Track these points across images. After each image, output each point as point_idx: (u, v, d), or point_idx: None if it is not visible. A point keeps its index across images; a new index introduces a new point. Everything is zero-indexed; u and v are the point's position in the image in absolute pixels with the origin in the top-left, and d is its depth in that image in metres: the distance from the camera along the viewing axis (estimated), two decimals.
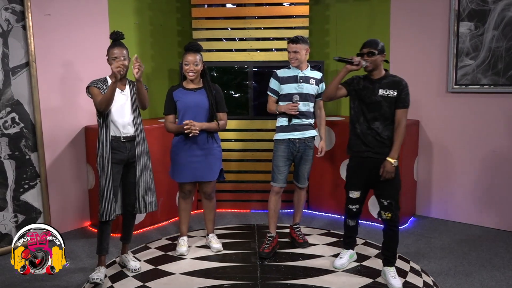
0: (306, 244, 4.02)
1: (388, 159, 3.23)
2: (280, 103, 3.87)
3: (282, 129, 3.85)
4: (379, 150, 3.30)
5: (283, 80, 3.83)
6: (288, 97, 3.80)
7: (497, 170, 4.52)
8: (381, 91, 3.27)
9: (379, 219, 3.42)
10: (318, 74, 3.91)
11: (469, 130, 4.65)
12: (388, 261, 3.38)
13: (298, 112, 3.75)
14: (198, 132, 3.62)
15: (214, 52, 5.11)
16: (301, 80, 3.80)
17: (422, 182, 4.99)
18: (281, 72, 3.88)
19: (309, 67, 3.90)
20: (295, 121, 3.80)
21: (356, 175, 3.43)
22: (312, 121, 3.90)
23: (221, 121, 3.80)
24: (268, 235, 3.94)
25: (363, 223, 4.72)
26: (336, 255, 3.76)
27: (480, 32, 4.48)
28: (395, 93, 3.24)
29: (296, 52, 3.76)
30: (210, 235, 4.04)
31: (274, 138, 3.91)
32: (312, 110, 3.89)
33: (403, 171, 4.57)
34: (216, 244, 3.96)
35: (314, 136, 3.91)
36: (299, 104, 3.75)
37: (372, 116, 3.30)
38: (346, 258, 3.63)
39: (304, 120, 3.82)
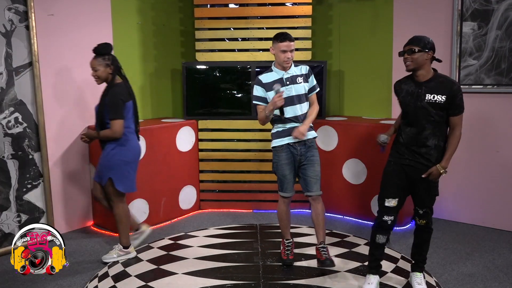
0: (328, 262, 3.41)
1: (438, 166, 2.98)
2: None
3: (278, 135, 3.53)
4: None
5: (268, 87, 3.47)
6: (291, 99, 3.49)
7: (501, 171, 4.50)
8: (428, 96, 2.94)
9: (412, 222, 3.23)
10: (304, 69, 3.56)
11: (472, 130, 4.62)
12: (417, 266, 3.25)
13: (283, 102, 3.35)
14: (87, 140, 3.83)
15: (216, 52, 5.11)
16: (287, 83, 3.47)
17: None
18: (264, 78, 3.52)
19: (293, 65, 3.55)
20: (291, 125, 3.48)
21: (393, 183, 3.14)
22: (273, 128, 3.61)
23: (104, 130, 3.64)
24: (286, 242, 3.71)
25: (364, 223, 4.71)
26: (337, 255, 3.75)
27: (483, 32, 4.47)
28: (444, 98, 2.91)
29: (292, 50, 3.46)
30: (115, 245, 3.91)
31: (272, 146, 3.60)
32: (306, 110, 3.56)
33: None
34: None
35: (314, 137, 3.60)
36: (283, 91, 3.37)
37: (421, 125, 3.00)
38: (375, 284, 3.20)
39: (300, 123, 3.49)
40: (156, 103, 5.44)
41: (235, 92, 5.10)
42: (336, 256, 3.75)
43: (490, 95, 4.52)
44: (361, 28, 5.25)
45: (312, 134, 3.57)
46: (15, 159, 4.08)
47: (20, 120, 4.09)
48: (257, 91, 3.53)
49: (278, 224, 4.04)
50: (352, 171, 4.79)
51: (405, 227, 4.62)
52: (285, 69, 3.51)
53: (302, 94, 3.52)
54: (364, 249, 3.92)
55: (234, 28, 5.10)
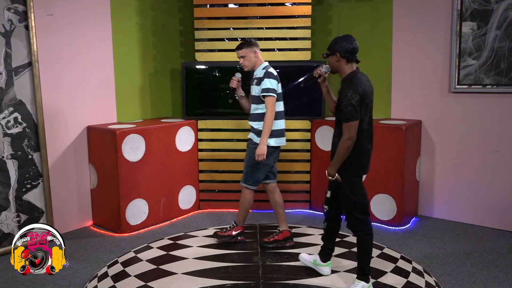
0: (215, 235, 4.07)
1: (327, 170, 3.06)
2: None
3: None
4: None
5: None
6: (251, 99, 3.99)
7: (500, 171, 4.51)
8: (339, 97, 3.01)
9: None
10: (261, 73, 3.84)
11: (472, 130, 4.63)
12: (358, 272, 3.21)
13: (233, 85, 3.97)
14: None
15: (216, 52, 5.11)
16: (251, 83, 3.97)
17: (424, 182, 4.98)
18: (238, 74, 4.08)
19: (260, 67, 3.90)
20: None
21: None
22: (254, 123, 3.89)
23: None
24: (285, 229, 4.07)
25: None
26: (337, 255, 3.75)
27: (482, 32, 4.47)
28: (336, 101, 3.03)
29: (243, 57, 3.87)
30: None
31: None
32: (255, 111, 3.88)
33: (406, 171, 4.57)
34: None
35: (255, 142, 3.86)
36: (237, 78, 3.96)
37: (336, 124, 3.13)
38: (311, 258, 3.49)
39: (249, 121, 3.96)
40: (156, 103, 5.44)
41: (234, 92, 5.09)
42: (336, 256, 3.75)
43: (489, 95, 4.52)
44: (361, 28, 5.25)
45: (252, 136, 3.95)
46: (14, 159, 4.07)
47: (19, 120, 4.09)
48: None
49: (278, 224, 4.06)
50: None
51: (405, 227, 4.63)
52: (253, 69, 3.97)
53: (254, 95, 3.90)
54: None
55: (234, 28, 5.10)
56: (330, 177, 3.07)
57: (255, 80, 3.88)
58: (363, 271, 3.14)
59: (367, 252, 3.13)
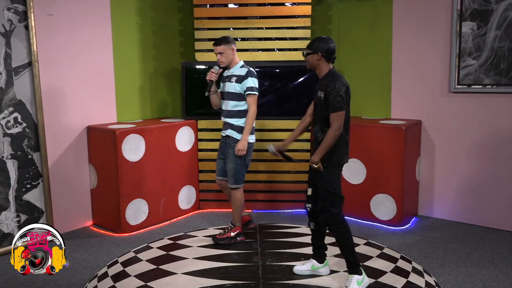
0: (216, 239, 4.05)
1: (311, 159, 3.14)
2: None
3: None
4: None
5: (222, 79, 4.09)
6: (221, 95, 4.08)
7: (500, 170, 4.51)
8: (318, 93, 3.18)
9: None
10: (243, 71, 3.94)
11: (472, 130, 4.63)
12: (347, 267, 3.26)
13: (211, 78, 3.96)
14: None
15: None
16: (226, 80, 4.02)
17: (424, 182, 4.98)
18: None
19: (238, 65, 4.01)
20: (222, 119, 4.04)
21: (310, 174, 3.30)
22: (233, 120, 3.96)
23: None
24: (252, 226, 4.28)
25: (363, 222, 4.72)
26: (337, 255, 3.75)
27: (482, 32, 4.47)
28: (323, 96, 3.11)
29: (221, 53, 3.92)
30: None
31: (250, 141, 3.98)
32: (235, 108, 3.96)
33: (406, 171, 4.57)
34: None
35: (235, 138, 3.94)
36: (216, 71, 3.97)
37: (314, 120, 3.29)
38: (307, 266, 3.44)
39: (225, 118, 4.00)
40: (156, 103, 5.44)
41: None
42: (336, 256, 3.75)
43: (489, 95, 4.52)
44: (361, 28, 5.25)
45: (231, 133, 3.97)
46: (14, 159, 4.07)
47: (19, 120, 4.09)
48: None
49: (277, 224, 4.07)
50: (351, 171, 4.79)
51: (404, 227, 4.63)
52: (228, 67, 4.02)
53: (233, 93, 3.95)
54: (363, 249, 3.93)
55: (234, 28, 5.10)
56: (313, 165, 3.12)
57: (234, 78, 3.95)
58: (351, 264, 3.17)
59: (348, 245, 3.16)
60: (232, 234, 4.04)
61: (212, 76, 3.96)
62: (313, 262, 3.45)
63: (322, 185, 3.16)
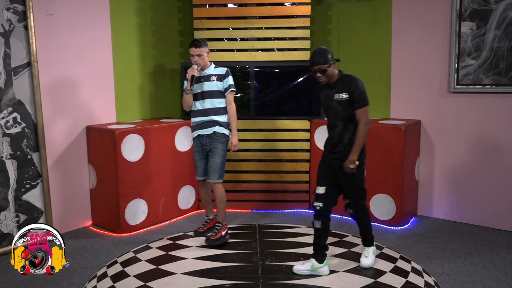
0: (210, 241, 4.00)
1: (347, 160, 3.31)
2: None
3: (193, 128, 4.13)
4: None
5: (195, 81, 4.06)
6: (195, 96, 4.05)
7: (499, 170, 4.51)
8: (336, 96, 3.36)
9: (346, 211, 3.58)
10: (222, 70, 4.06)
11: (471, 130, 4.64)
12: (364, 242, 3.64)
13: (194, 73, 3.94)
14: None
15: (215, 52, 5.11)
16: (202, 80, 4.02)
17: (423, 182, 4.98)
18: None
19: (212, 66, 4.08)
20: (200, 118, 4.02)
21: (322, 173, 3.49)
22: (218, 117, 4.02)
23: None
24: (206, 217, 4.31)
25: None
26: (336, 255, 3.76)
27: (482, 32, 4.47)
28: (346, 96, 3.32)
29: (200, 55, 3.96)
30: None
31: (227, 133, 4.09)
32: (219, 106, 4.02)
33: (405, 171, 4.58)
34: None
35: (223, 133, 4.03)
36: (196, 68, 3.96)
37: (333, 122, 3.42)
38: (307, 266, 3.46)
39: (208, 117, 4.00)
40: (155, 103, 5.44)
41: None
42: (335, 256, 3.76)
43: (488, 95, 4.52)
44: (360, 28, 5.25)
45: (219, 129, 4.02)
46: (13, 159, 4.07)
47: (18, 120, 4.09)
48: (184, 84, 4.13)
49: (277, 224, 4.07)
50: None
51: (404, 227, 4.63)
52: (202, 69, 4.06)
53: (216, 91, 4.02)
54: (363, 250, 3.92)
55: (233, 28, 5.10)
56: (351, 165, 3.28)
57: (214, 77, 4.02)
58: (370, 240, 3.62)
59: (370, 227, 3.61)
60: (223, 232, 4.04)
61: (194, 71, 3.96)
62: (313, 261, 3.45)
63: (355, 184, 3.40)
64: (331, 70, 3.33)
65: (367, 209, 3.60)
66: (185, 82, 4.07)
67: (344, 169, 3.31)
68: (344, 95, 3.31)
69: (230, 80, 4.05)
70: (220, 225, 4.08)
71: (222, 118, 4.04)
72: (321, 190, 3.40)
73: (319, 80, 3.36)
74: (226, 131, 4.06)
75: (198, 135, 4.06)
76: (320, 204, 3.38)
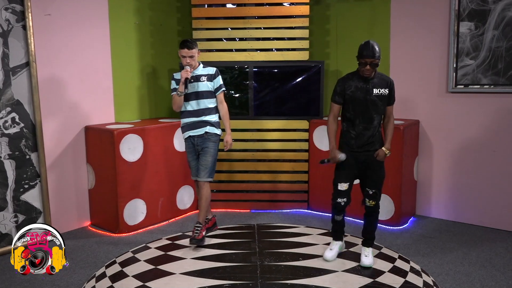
0: (194, 240, 3.94)
1: (383, 148, 3.50)
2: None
3: (183, 129, 4.11)
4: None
5: (178, 82, 4.00)
6: (185, 97, 4.01)
7: (498, 170, 4.52)
8: (375, 91, 3.47)
9: (363, 205, 3.62)
10: (211, 70, 4.05)
11: (469, 130, 4.64)
12: (366, 242, 3.68)
13: (188, 75, 3.90)
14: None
15: (214, 52, 5.11)
16: (191, 80, 3.97)
17: (422, 182, 4.99)
18: (176, 75, 4.07)
19: (201, 66, 4.05)
20: (191, 119, 4.01)
21: (345, 170, 3.58)
22: (209, 117, 4.03)
23: None
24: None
25: (363, 222, 4.71)
26: (336, 255, 3.76)
27: (480, 32, 4.48)
28: (386, 92, 3.49)
29: (192, 57, 3.92)
30: None
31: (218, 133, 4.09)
32: (210, 106, 4.03)
33: (404, 171, 4.58)
34: None
35: (215, 133, 4.04)
36: (188, 70, 3.92)
37: (371, 114, 3.48)
38: (336, 249, 3.74)
39: (199, 117, 4.00)
40: (154, 103, 5.44)
41: (232, 92, 5.10)
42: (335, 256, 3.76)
43: (487, 95, 4.53)
44: (359, 28, 5.26)
45: (211, 129, 4.03)
46: (12, 159, 4.06)
47: (17, 120, 4.08)
48: (172, 84, 4.08)
49: (276, 224, 4.07)
50: None
51: (402, 226, 4.64)
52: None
53: (207, 91, 4.03)
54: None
55: (232, 28, 5.10)
56: (387, 153, 3.49)
57: (204, 77, 4.01)
58: (373, 240, 3.71)
59: (377, 226, 3.70)
60: (203, 233, 4.03)
61: (188, 74, 3.93)
62: (339, 243, 3.77)
63: (379, 173, 3.54)
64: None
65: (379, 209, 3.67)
66: (173, 82, 4.05)
67: (378, 157, 3.47)
68: (385, 91, 3.46)
69: (220, 80, 4.07)
70: (201, 225, 4.04)
71: (213, 118, 4.05)
72: (344, 186, 3.55)
73: (365, 73, 3.40)
74: (217, 131, 4.07)
75: (190, 136, 4.06)
76: (344, 200, 3.56)
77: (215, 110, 4.09)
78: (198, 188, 4.17)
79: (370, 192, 3.54)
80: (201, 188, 4.06)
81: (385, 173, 3.59)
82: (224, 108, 4.10)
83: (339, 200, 3.56)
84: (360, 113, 3.47)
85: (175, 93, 4.00)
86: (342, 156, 3.48)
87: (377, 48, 3.34)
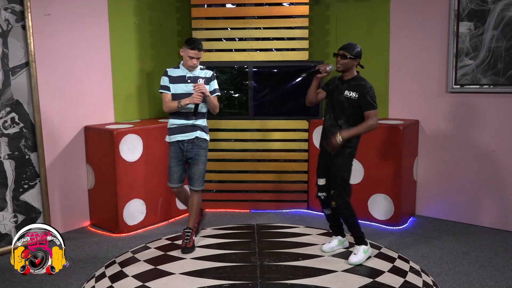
0: (186, 249, 3.85)
1: (337, 133, 3.44)
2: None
3: (172, 131, 3.91)
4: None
5: (172, 79, 3.88)
6: (177, 97, 3.82)
7: (497, 170, 4.52)
8: (346, 92, 3.50)
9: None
10: (208, 73, 3.97)
11: (469, 130, 4.65)
12: (355, 240, 3.70)
13: (200, 101, 3.75)
14: None
15: (214, 52, 5.11)
16: (188, 81, 3.87)
17: (421, 182, 4.99)
18: (170, 71, 3.92)
19: (199, 67, 3.95)
20: (182, 121, 3.86)
21: (320, 165, 3.72)
22: (200, 121, 3.92)
23: None
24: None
25: (362, 222, 4.71)
26: (335, 255, 3.76)
27: (479, 32, 4.48)
28: (357, 96, 3.46)
29: (199, 58, 3.85)
30: None
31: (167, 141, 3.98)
32: (203, 110, 3.92)
33: (403, 171, 4.58)
34: None
35: (205, 138, 3.94)
36: (203, 86, 3.76)
37: (338, 113, 3.53)
38: (335, 243, 3.84)
39: (192, 120, 3.87)
40: (153, 103, 5.44)
41: (232, 92, 5.10)
42: (334, 256, 3.76)
43: (486, 95, 4.53)
44: (358, 28, 5.26)
45: (201, 134, 3.93)
46: (11, 159, 4.06)
47: (16, 120, 4.08)
48: (164, 81, 3.91)
49: (275, 224, 4.07)
50: None
51: (402, 226, 4.64)
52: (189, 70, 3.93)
53: None
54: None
55: (231, 28, 5.10)
56: (338, 141, 3.40)
57: (202, 80, 3.90)
58: (359, 237, 3.65)
59: (355, 223, 3.62)
60: (194, 237, 4.01)
61: (201, 100, 3.76)
62: (339, 237, 3.86)
63: (339, 174, 3.54)
64: (351, 64, 3.48)
65: (351, 206, 3.61)
66: (165, 78, 3.88)
67: (329, 144, 3.46)
68: (355, 94, 3.47)
69: (215, 84, 3.97)
70: (191, 230, 3.99)
71: (203, 123, 3.96)
72: (322, 181, 3.67)
73: (336, 64, 3.51)
74: (207, 136, 3.98)
75: (178, 140, 3.89)
76: (324, 194, 3.67)
77: (205, 114, 3.99)
78: (180, 194, 4.11)
79: (331, 192, 3.59)
80: (193, 195, 3.98)
81: (347, 175, 3.56)
82: (216, 110, 3.97)
83: (319, 194, 3.71)
84: (330, 109, 3.59)
85: (165, 92, 3.85)
86: (330, 67, 3.56)
87: (351, 45, 3.48)
